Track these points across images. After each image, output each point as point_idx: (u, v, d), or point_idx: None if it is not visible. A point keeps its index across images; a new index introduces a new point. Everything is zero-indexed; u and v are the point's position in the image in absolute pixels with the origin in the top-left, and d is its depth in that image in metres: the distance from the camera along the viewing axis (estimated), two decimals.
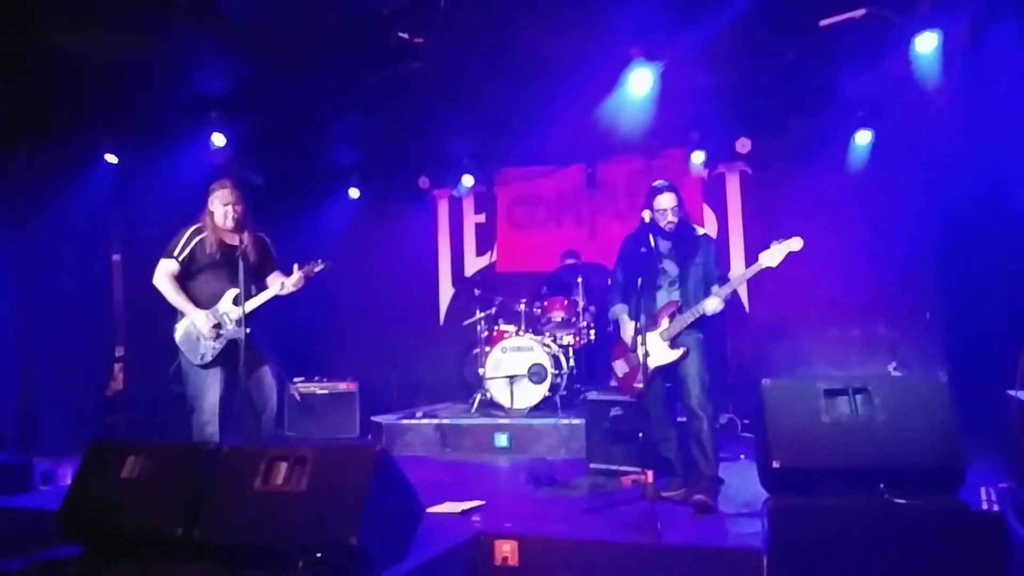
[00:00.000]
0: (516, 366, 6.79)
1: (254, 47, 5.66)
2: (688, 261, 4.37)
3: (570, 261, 8.06)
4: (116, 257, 7.04)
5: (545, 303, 7.35)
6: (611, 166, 8.59)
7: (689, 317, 4.26)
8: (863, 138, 7.29)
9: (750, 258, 7.81)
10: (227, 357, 4.46)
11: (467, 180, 8.76)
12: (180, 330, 4.51)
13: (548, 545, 3.51)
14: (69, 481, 3.80)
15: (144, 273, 4.61)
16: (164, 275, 4.51)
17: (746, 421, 6.57)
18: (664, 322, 4.33)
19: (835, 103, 6.74)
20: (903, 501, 3.24)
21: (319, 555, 2.89)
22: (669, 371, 4.36)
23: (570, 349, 7.14)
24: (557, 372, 6.79)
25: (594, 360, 7.37)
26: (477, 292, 7.69)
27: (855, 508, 3.28)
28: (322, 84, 6.26)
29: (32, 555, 3.27)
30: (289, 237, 6.17)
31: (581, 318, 7.24)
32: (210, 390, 4.45)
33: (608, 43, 5.77)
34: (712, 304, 4.20)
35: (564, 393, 6.83)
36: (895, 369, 6.41)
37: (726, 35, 5.58)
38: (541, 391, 6.71)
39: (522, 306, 7.36)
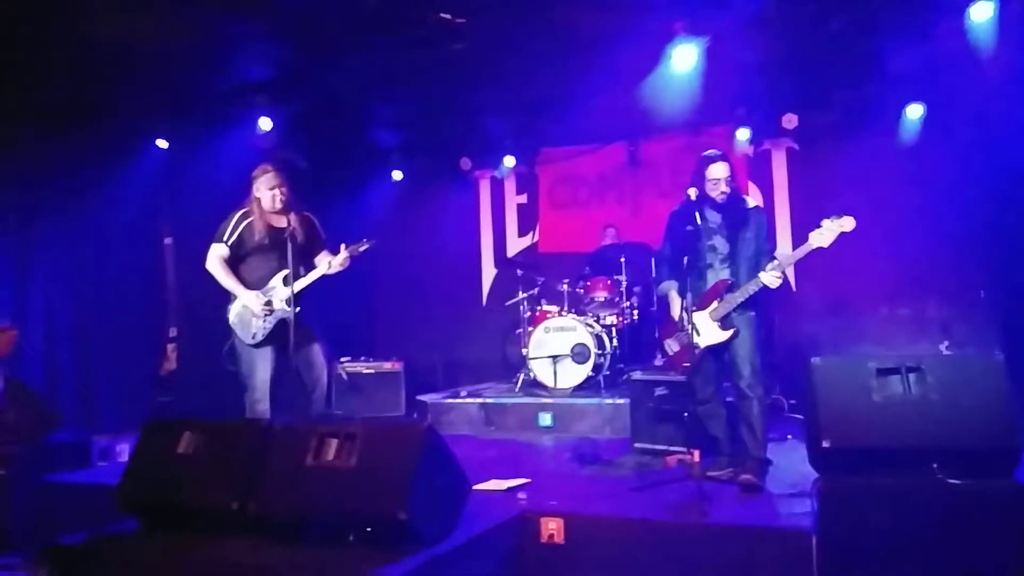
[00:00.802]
0: (559, 346, 6.80)
1: (297, 31, 5.71)
2: (738, 235, 4.26)
3: (610, 232, 8.02)
4: (168, 240, 7.19)
5: (588, 283, 7.33)
6: (654, 144, 8.51)
7: (740, 296, 4.17)
8: (914, 112, 7.12)
9: (796, 236, 7.76)
10: (277, 337, 4.55)
11: (508, 161, 8.78)
12: (233, 311, 4.62)
13: (594, 523, 3.52)
14: (126, 457, 3.92)
15: (195, 255, 4.72)
16: (215, 259, 4.62)
17: (793, 401, 6.49)
18: (714, 303, 4.26)
19: (885, 76, 6.57)
20: (957, 482, 3.17)
21: (369, 529, 2.95)
22: (719, 351, 4.30)
23: (613, 329, 7.11)
24: (600, 352, 6.77)
25: (637, 340, 7.35)
26: (519, 272, 7.70)
27: (907, 489, 3.23)
28: (364, 67, 6.31)
29: (92, 529, 3.37)
30: (333, 219, 6.20)
31: (624, 298, 7.21)
32: (261, 369, 4.56)
33: (651, 18, 5.69)
34: (769, 278, 4.08)
35: (607, 373, 6.81)
36: (947, 349, 6.27)
37: (771, 7, 5.47)
38: (584, 371, 6.70)
39: (565, 286, 7.35)
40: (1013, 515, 3.11)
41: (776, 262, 4.14)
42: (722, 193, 4.25)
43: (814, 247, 4.00)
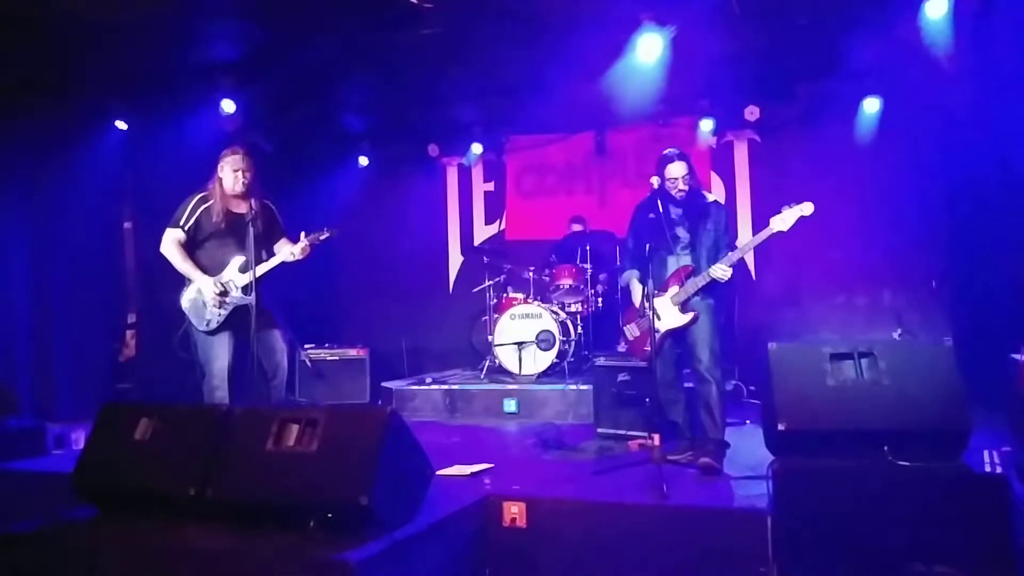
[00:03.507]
0: (525, 333, 6.83)
1: (264, 11, 5.63)
2: (699, 227, 4.37)
3: (576, 227, 8.06)
4: (128, 224, 7.07)
5: (554, 271, 7.36)
6: (621, 134, 8.56)
7: (700, 281, 4.27)
8: (872, 105, 7.24)
9: (758, 226, 7.80)
10: (235, 323, 4.50)
11: (476, 148, 8.78)
12: (187, 297, 4.54)
13: (556, 506, 3.55)
14: (82, 445, 3.86)
15: (156, 241, 4.64)
16: (171, 244, 4.54)
17: (752, 387, 6.60)
18: (674, 288, 4.35)
19: (844, 70, 6.66)
20: (907, 464, 3.26)
21: (330, 515, 2.94)
22: (679, 336, 4.38)
23: (578, 316, 7.17)
24: (565, 339, 6.83)
25: (602, 327, 7.40)
26: (486, 260, 7.71)
27: (859, 470, 3.31)
28: (332, 49, 6.24)
29: (47, 516, 3.32)
30: (299, 204, 6.18)
31: (589, 285, 7.26)
32: (219, 356, 4.49)
33: (617, 7, 5.71)
34: (718, 271, 4.21)
35: (572, 360, 6.87)
36: (900, 336, 6.42)
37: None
38: (549, 357, 6.75)
39: (531, 273, 7.39)
40: (960, 496, 3.20)
41: (727, 255, 4.23)
42: (680, 191, 4.38)
43: (775, 231, 4.14)
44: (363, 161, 9.00)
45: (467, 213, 9.36)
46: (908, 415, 3.34)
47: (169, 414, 3.42)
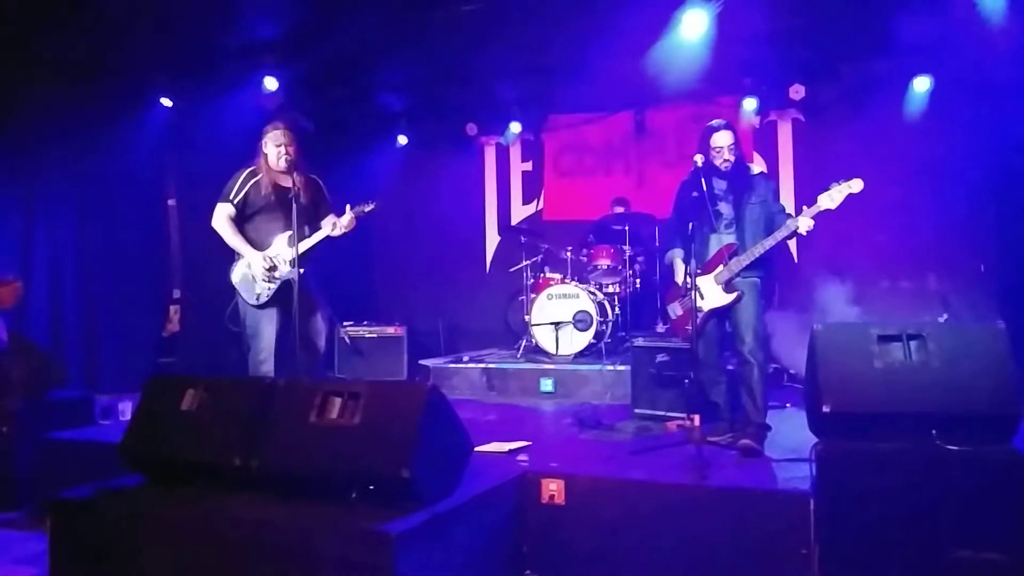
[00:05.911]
0: (561, 313, 6.81)
1: None
2: (744, 201, 4.28)
3: (619, 209, 8.00)
4: (171, 201, 7.18)
5: (591, 251, 7.33)
6: (660, 113, 8.47)
7: (745, 259, 4.19)
8: (921, 84, 7.07)
9: (800, 209, 7.72)
10: (281, 297, 4.54)
11: (514, 127, 8.74)
12: (238, 272, 4.60)
13: (595, 484, 3.54)
14: (128, 416, 3.94)
15: (199, 217, 4.71)
16: (221, 218, 4.60)
17: (792, 371, 6.52)
18: (719, 267, 4.28)
19: (893, 47, 6.49)
20: (955, 448, 3.19)
21: (372, 487, 2.97)
22: (722, 316, 4.33)
23: (615, 297, 7.14)
24: (602, 320, 6.80)
25: (639, 308, 7.37)
26: (523, 239, 7.70)
27: (906, 454, 3.24)
28: (373, 27, 6.24)
29: (96, 483, 3.40)
30: (337, 183, 6.18)
31: (627, 266, 7.22)
32: (266, 329, 4.56)
33: None
34: (804, 223, 4.06)
35: (609, 340, 6.83)
36: (946, 321, 6.29)
37: None
38: (586, 338, 6.73)
39: (568, 254, 7.36)
40: (1009, 481, 3.13)
41: (804, 209, 4.09)
42: (726, 161, 4.30)
43: (822, 209, 4.04)
44: (402, 140, 9.02)
45: (504, 192, 9.36)
46: (957, 398, 3.26)
47: (215, 386, 3.45)
